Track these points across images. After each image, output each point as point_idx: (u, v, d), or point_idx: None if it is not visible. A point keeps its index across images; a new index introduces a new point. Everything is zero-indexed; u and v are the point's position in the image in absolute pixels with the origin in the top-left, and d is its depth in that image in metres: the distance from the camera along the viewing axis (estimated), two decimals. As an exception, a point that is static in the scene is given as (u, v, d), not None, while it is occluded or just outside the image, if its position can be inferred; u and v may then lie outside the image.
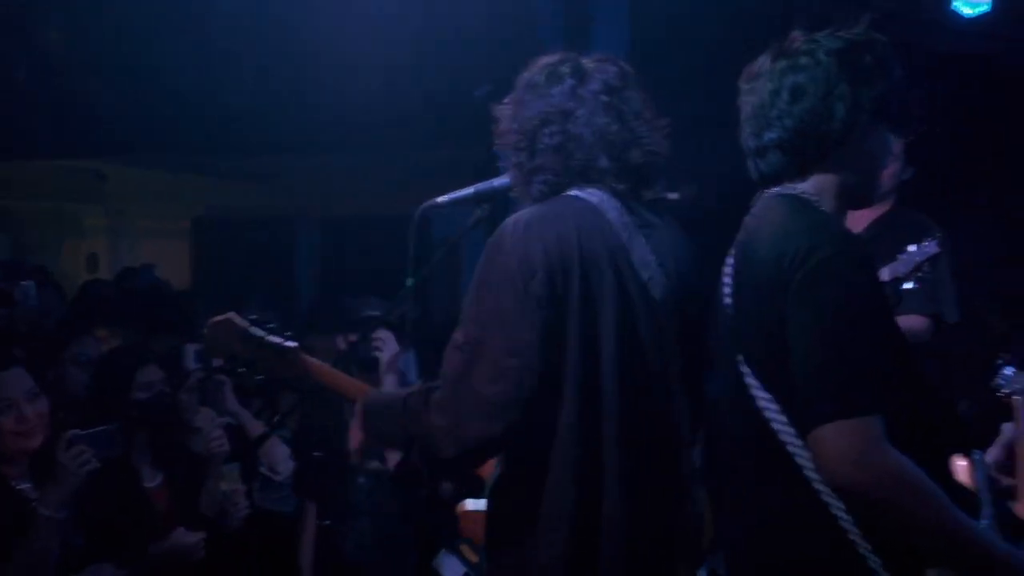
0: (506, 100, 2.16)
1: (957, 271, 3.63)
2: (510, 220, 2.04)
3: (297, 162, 8.59)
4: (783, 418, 1.76)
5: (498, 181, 2.27)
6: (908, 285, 3.24)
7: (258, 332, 2.46)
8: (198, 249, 10.79)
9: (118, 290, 6.70)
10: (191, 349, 3.80)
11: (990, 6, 5.29)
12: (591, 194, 2.05)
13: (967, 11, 5.28)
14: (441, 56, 6.21)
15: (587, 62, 2.13)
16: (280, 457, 3.76)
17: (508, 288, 1.94)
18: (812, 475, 1.73)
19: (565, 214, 2.02)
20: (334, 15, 5.83)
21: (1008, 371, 2.22)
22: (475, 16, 5.71)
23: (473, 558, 2.51)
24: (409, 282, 2.44)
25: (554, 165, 2.06)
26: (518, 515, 2.01)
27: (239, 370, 3.07)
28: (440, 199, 2.36)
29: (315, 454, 3.62)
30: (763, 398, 1.79)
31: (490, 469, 2.16)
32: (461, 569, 2.51)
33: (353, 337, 3.31)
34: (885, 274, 3.14)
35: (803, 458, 1.74)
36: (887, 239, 3.38)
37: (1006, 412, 2.20)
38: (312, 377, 2.48)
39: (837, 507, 1.72)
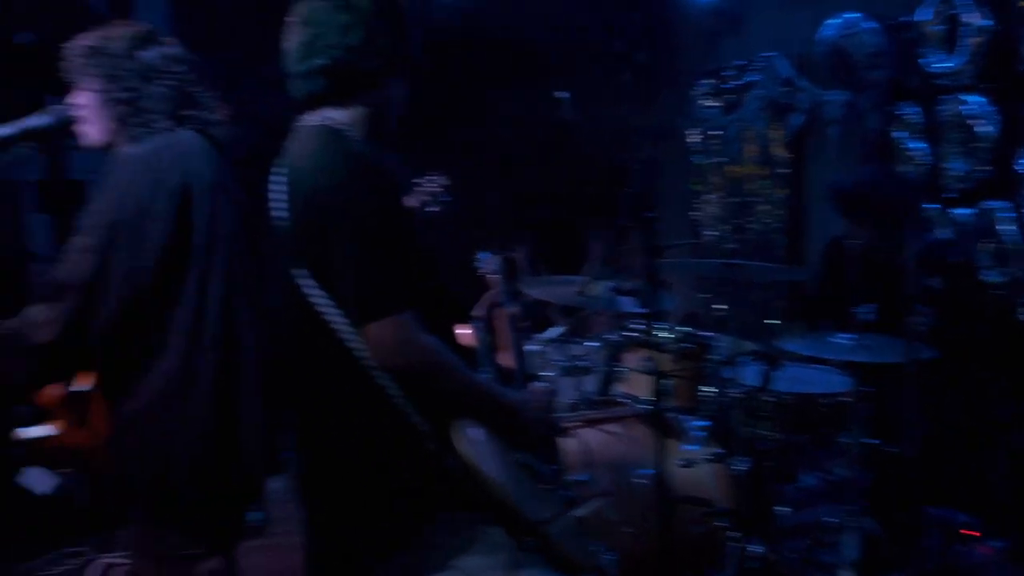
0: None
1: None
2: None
3: None
4: (338, 312, 2.08)
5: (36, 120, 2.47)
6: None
7: None
8: None
9: None
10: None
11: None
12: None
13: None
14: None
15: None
16: None
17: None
18: (366, 360, 2.06)
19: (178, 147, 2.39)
20: None
21: (483, 256, 2.88)
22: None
23: None
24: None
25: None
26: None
27: None
28: None
29: None
30: (320, 299, 2.09)
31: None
32: (52, 480, 2.59)
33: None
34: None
35: (356, 344, 2.07)
36: None
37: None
38: None
39: (387, 384, 2.07)
